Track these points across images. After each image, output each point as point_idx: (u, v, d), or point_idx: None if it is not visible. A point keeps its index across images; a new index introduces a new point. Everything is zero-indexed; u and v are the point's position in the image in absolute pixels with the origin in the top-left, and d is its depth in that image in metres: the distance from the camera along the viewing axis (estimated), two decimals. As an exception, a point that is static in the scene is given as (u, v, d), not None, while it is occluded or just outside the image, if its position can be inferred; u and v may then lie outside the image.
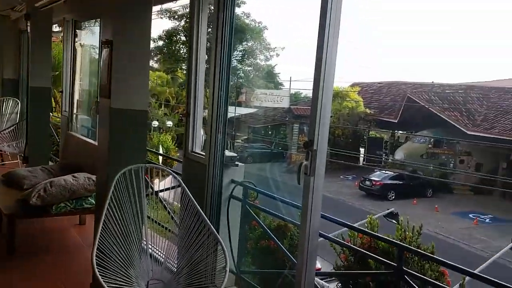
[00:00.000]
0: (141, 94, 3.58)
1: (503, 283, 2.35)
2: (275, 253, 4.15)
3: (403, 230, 3.94)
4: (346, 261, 3.93)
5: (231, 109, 25.90)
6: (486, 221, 19.31)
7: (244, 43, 32.69)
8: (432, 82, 30.11)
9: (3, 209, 4.33)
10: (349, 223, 3.31)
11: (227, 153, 3.60)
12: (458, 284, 4.04)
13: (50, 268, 4.16)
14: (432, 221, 18.10)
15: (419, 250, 3.39)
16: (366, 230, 3.85)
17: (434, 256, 3.06)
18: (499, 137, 21.40)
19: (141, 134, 3.71)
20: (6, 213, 4.26)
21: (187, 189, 3.26)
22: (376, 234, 3.61)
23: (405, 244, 3.40)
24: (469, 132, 22.71)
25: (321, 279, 4.33)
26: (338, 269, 4.04)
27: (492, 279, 2.42)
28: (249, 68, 33.49)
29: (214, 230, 3.11)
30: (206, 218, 3.15)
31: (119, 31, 3.48)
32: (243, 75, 32.73)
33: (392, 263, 2.85)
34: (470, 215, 19.75)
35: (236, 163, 3.68)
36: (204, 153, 3.73)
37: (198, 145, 3.89)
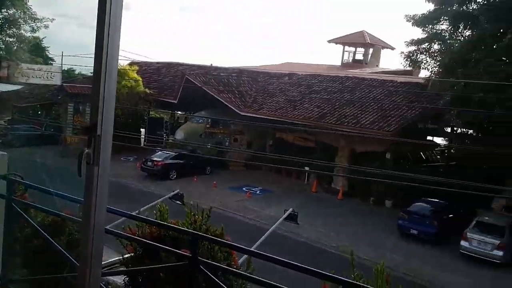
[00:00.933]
0: None
1: (270, 255, 2.51)
2: (52, 253, 3.60)
3: (193, 214, 3.87)
4: (134, 252, 3.67)
5: (-12, 85, 22.39)
6: (257, 193, 21.52)
7: (3, 10, 28.25)
8: (211, 64, 31.66)
9: None
10: (137, 215, 3.09)
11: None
12: (244, 257, 4.25)
13: None
14: (212, 196, 19.19)
15: (213, 237, 3.36)
16: (157, 220, 3.65)
17: (222, 240, 3.08)
18: (266, 117, 23.95)
19: None
20: None
21: None
22: (166, 223, 3.45)
23: (198, 232, 3.33)
24: (241, 113, 24.76)
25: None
26: (125, 261, 3.75)
27: (266, 254, 2.56)
28: (11, 39, 29.21)
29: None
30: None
31: None
32: (3, 46, 28.41)
33: (185, 253, 2.74)
34: (244, 189, 21.72)
35: (-5, 152, 3.02)
36: None
37: None
